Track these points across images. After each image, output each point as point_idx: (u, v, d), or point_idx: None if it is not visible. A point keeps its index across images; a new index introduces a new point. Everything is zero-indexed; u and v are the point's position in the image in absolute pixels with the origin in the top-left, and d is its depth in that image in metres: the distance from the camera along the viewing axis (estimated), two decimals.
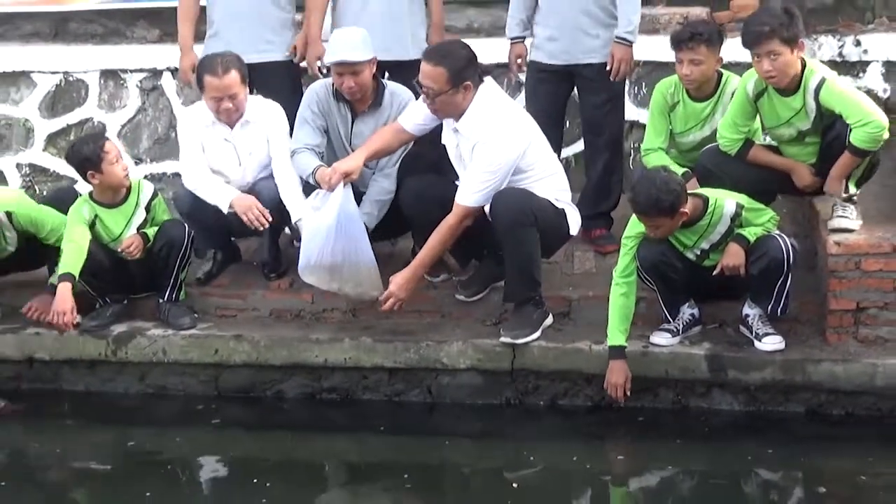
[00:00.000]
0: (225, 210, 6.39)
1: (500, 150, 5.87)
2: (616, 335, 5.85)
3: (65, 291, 6.28)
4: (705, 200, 5.73)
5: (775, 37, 5.64)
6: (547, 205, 6.01)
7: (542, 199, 5.98)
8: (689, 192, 5.75)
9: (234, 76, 6.35)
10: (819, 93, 5.70)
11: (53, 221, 6.47)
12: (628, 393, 5.77)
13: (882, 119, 5.65)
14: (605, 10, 6.45)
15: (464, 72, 5.83)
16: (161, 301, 6.54)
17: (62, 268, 6.31)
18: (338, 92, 6.29)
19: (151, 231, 6.52)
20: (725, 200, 5.74)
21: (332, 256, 6.08)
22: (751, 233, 5.76)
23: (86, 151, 6.43)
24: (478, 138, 5.87)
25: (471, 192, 5.90)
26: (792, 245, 5.74)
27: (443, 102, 5.86)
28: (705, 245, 5.83)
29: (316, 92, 6.39)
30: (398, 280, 6.04)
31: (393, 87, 6.38)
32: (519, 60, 6.69)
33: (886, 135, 5.67)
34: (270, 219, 6.34)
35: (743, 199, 5.78)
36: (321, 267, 6.11)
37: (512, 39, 6.70)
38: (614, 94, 6.63)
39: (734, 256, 5.76)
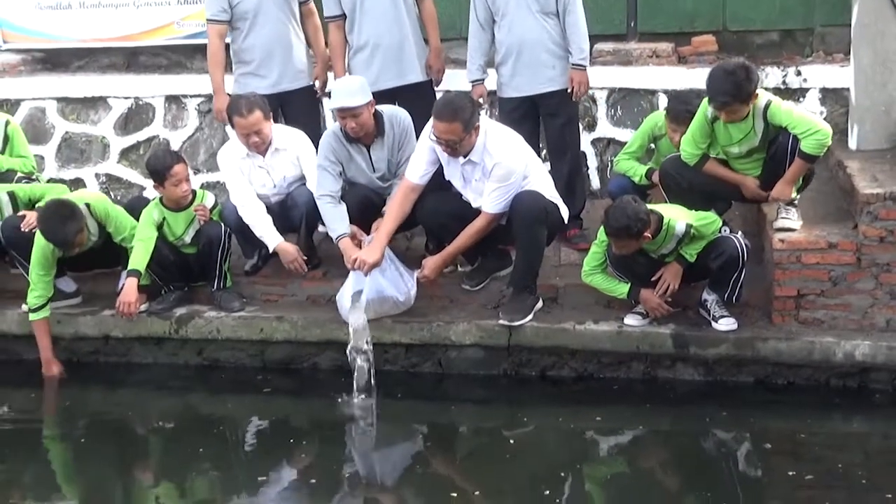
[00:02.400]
0: (270, 249, 6.41)
1: (513, 164, 5.90)
2: (620, 288, 5.89)
3: (131, 285, 6.29)
4: (660, 219, 5.70)
5: (735, 102, 5.60)
6: (551, 205, 6.03)
7: (550, 201, 6.01)
8: (649, 207, 5.72)
9: (257, 114, 6.28)
10: (767, 112, 5.68)
11: (122, 219, 6.45)
12: (669, 302, 5.85)
13: (826, 127, 5.64)
14: (559, 45, 6.43)
15: (472, 118, 5.81)
16: (212, 290, 6.55)
17: (131, 264, 6.32)
18: (347, 134, 6.20)
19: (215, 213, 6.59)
20: (677, 222, 5.70)
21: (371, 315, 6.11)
22: (691, 253, 5.75)
23: (157, 166, 6.46)
24: (494, 160, 5.86)
25: (495, 202, 5.91)
26: (746, 245, 5.73)
27: (462, 146, 5.85)
28: (663, 251, 5.82)
29: (329, 142, 6.26)
30: (430, 264, 6.08)
31: (389, 112, 6.27)
32: (481, 99, 6.59)
33: (830, 141, 5.67)
34: (307, 269, 6.39)
35: (692, 217, 5.73)
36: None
37: (473, 82, 6.61)
38: (572, 117, 6.61)
39: (673, 275, 5.81)
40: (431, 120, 5.86)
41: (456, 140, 5.81)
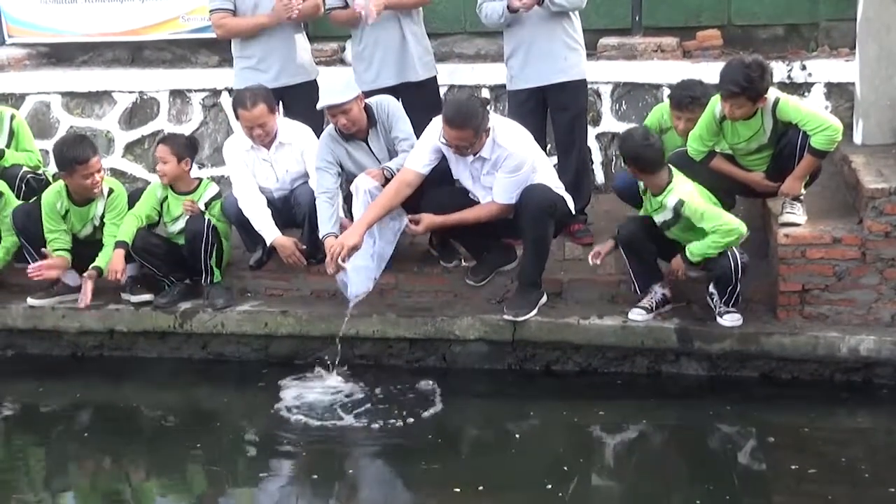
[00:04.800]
0: (268, 243, 6.45)
1: (523, 155, 5.92)
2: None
3: (118, 255, 6.37)
4: (668, 182, 5.73)
5: (742, 95, 5.60)
6: (559, 197, 6.05)
7: (557, 194, 6.03)
8: (673, 168, 5.75)
9: (261, 108, 6.32)
10: (776, 110, 5.69)
11: (125, 208, 6.58)
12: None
13: (837, 123, 5.65)
14: (570, 36, 6.41)
15: (483, 122, 5.82)
16: (203, 285, 6.57)
17: (119, 235, 6.41)
18: (342, 133, 6.22)
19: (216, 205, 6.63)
20: (670, 196, 5.69)
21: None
22: (694, 252, 5.73)
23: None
24: (507, 152, 5.88)
25: (507, 193, 5.93)
26: (742, 262, 5.68)
27: (472, 148, 5.88)
28: (661, 218, 5.81)
29: (326, 143, 6.28)
30: (426, 221, 6.00)
31: (374, 102, 6.28)
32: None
33: (840, 136, 5.67)
34: (306, 262, 6.41)
35: (699, 201, 5.69)
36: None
37: None
38: (581, 111, 6.59)
39: (676, 266, 5.85)
40: (442, 125, 5.85)
41: (468, 143, 5.84)
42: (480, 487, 4.98)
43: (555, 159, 6.66)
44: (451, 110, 5.85)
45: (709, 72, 6.78)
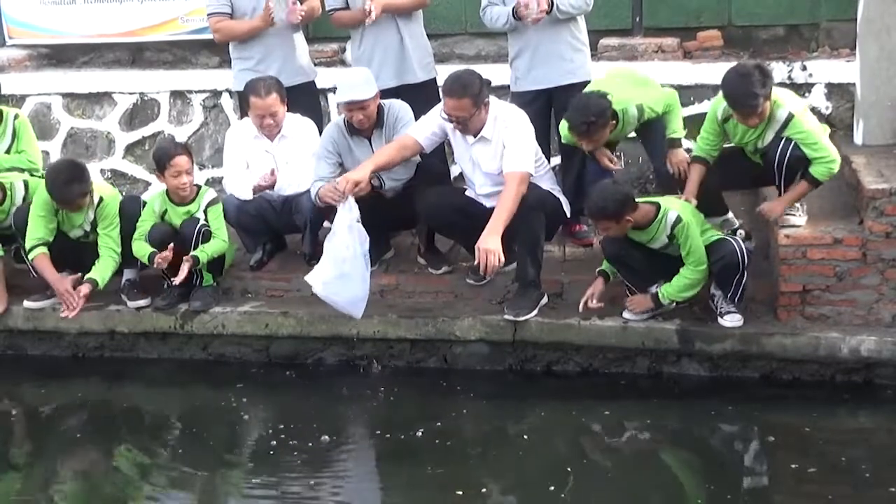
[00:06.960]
0: (247, 196, 6.50)
1: (528, 126, 5.95)
2: None
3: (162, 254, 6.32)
4: (657, 209, 5.70)
5: (765, 101, 5.56)
6: (548, 194, 6.06)
7: (545, 191, 6.04)
8: (649, 200, 5.73)
9: (274, 97, 6.42)
10: (787, 126, 5.63)
11: (115, 225, 6.49)
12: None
13: (838, 157, 5.66)
14: (576, 38, 6.44)
15: (481, 94, 5.85)
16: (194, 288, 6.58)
17: (141, 251, 6.39)
18: (350, 126, 6.26)
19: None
20: (669, 212, 5.67)
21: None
22: (667, 295, 5.80)
23: (160, 155, 6.51)
24: (506, 126, 5.89)
25: (522, 159, 5.85)
26: (746, 248, 5.71)
27: (472, 123, 5.89)
28: (655, 246, 5.81)
29: (331, 134, 6.33)
30: (488, 243, 5.63)
31: (388, 105, 6.32)
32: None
33: (837, 168, 5.69)
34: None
35: (688, 211, 5.69)
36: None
37: None
38: None
39: (638, 305, 5.94)
40: (442, 98, 5.90)
41: (466, 116, 5.84)
42: (483, 490, 4.98)
43: (557, 160, 6.66)
44: (450, 81, 5.92)
45: (709, 72, 6.81)
